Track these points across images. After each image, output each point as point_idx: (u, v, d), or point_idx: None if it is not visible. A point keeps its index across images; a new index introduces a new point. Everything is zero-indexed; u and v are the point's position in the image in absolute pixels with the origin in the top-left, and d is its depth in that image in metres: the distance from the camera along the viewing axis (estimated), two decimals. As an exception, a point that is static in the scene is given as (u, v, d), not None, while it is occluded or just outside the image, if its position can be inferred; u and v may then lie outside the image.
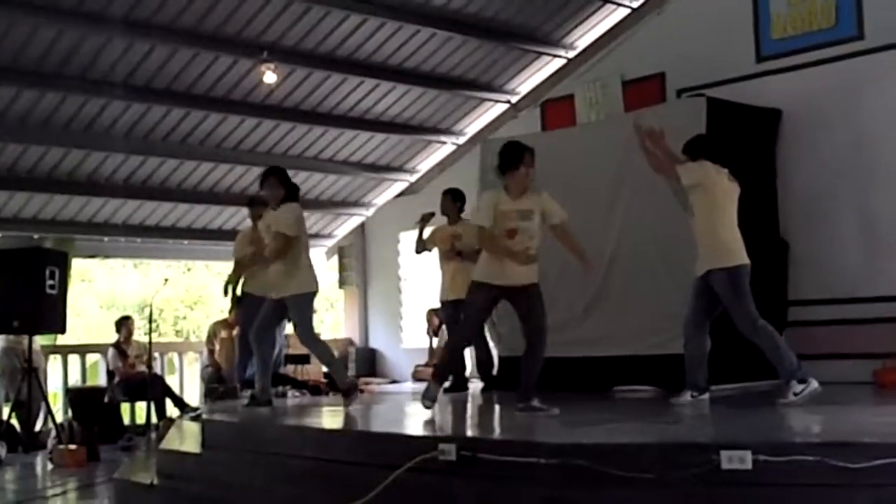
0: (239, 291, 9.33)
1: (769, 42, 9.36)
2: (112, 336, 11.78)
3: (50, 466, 9.09)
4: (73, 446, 9.25)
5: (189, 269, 24.52)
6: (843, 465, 4.34)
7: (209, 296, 24.67)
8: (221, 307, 10.09)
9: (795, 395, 6.42)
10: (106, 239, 11.93)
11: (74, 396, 10.69)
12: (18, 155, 10.26)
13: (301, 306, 7.41)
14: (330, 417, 7.20)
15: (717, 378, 7.27)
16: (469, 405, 8.07)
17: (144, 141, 10.62)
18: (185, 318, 24.74)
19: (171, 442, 7.41)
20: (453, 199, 9.13)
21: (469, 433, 5.12)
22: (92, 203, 11.31)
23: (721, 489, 4.47)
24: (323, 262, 14.31)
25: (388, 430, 5.78)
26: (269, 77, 9.65)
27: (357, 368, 13.39)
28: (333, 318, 15.33)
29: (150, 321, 10.88)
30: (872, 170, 8.76)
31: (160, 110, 10.26)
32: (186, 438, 7.39)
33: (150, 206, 11.73)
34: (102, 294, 24.52)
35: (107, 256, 12.84)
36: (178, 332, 24.31)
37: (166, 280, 12.86)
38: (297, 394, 9.37)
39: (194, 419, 9.16)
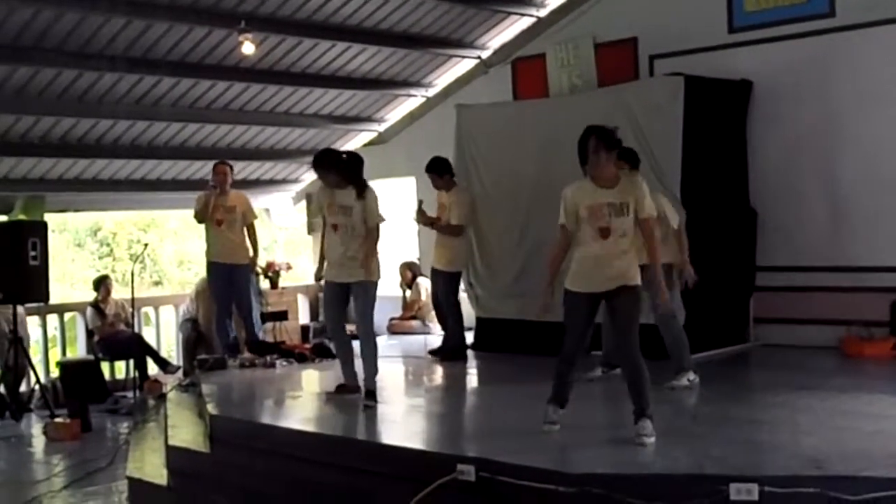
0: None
1: (741, 14, 9.48)
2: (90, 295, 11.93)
3: (44, 441, 9.30)
4: (66, 420, 9.46)
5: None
6: (843, 497, 4.78)
7: (162, 217, 24.61)
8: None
9: None
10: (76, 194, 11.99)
11: (65, 370, 10.83)
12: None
13: None
14: (342, 414, 7.29)
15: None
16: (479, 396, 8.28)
17: (117, 105, 10.60)
18: (138, 241, 24.55)
19: (177, 431, 7.59)
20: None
21: (488, 454, 5.42)
22: (62, 163, 11.33)
23: (730, 518, 4.88)
24: (290, 208, 14.43)
25: (405, 444, 6.03)
26: (248, 48, 9.59)
27: (330, 314, 13.59)
28: (304, 265, 15.45)
29: (132, 284, 10.97)
30: (838, 144, 9.01)
31: (133, 78, 10.23)
32: (190, 428, 7.59)
33: (119, 163, 11.76)
34: (54, 218, 24.20)
35: (77, 210, 12.84)
36: (131, 257, 24.17)
37: (146, 245, 12.89)
38: (284, 363, 9.57)
39: (185, 389, 9.44)
